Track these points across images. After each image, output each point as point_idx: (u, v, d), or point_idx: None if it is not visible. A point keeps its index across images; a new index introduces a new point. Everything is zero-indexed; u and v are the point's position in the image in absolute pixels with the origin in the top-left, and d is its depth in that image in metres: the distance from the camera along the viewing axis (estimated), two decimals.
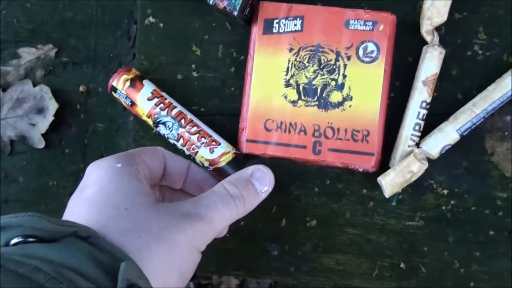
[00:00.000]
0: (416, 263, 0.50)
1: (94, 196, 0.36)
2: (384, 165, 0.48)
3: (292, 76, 0.48)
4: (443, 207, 0.49)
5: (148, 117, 0.49)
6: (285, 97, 0.48)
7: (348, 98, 0.47)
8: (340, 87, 0.48)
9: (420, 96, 0.47)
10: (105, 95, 0.56)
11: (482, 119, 0.46)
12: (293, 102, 0.48)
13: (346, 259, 0.51)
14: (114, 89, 0.49)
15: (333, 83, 0.48)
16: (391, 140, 0.48)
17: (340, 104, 0.48)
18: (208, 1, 0.46)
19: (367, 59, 0.47)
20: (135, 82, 0.49)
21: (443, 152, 0.47)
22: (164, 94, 0.50)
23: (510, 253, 0.48)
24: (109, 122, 0.57)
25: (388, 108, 0.48)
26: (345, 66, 0.47)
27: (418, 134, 0.48)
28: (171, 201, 0.44)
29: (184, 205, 0.37)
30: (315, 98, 0.48)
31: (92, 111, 0.57)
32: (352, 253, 0.51)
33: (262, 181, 0.43)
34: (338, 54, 0.47)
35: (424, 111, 0.47)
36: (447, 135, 0.47)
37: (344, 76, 0.47)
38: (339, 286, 0.51)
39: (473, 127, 0.47)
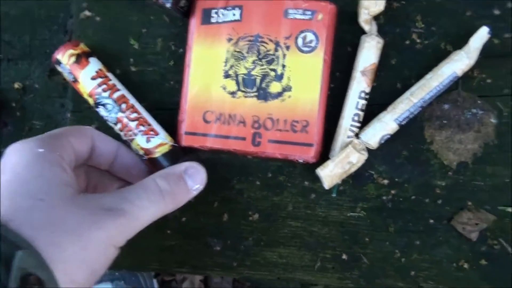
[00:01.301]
0: (358, 254, 0.50)
1: (8, 183, 0.33)
2: (325, 156, 0.48)
3: (231, 67, 0.47)
4: (384, 197, 0.49)
5: (89, 97, 0.47)
6: (224, 88, 0.47)
7: (287, 88, 0.47)
8: (280, 78, 0.47)
9: (359, 86, 0.47)
10: (42, 92, 0.54)
11: (420, 108, 0.47)
12: (232, 93, 0.47)
13: (288, 252, 0.50)
14: (58, 62, 0.47)
15: (273, 73, 0.47)
16: (332, 131, 0.48)
17: (279, 94, 0.47)
18: None
19: (306, 49, 0.47)
20: (80, 59, 0.47)
21: (382, 142, 0.47)
22: (109, 75, 0.48)
23: (449, 240, 0.48)
24: (46, 119, 0.55)
25: (329, 98, 0.48)
26: (284, 56, 0.47)
27: (358, 124, 0.47)
28: (97, 184, 0.42)
29: (107, 198, 0.36)
30: (254, 89, 0.47)
31: (28, 108, 0.55)
32: (294, 246, 0.50)
33: (195, 179, 0.41)
34: (277, 44, 0.47)
35: (363, 101, 0.47)
36: (385, 125, 0.47)
37: (283, 66, 0.47)
38: (282, 279, 0.50)
39: (411, 116, 0.47)
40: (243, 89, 0.47)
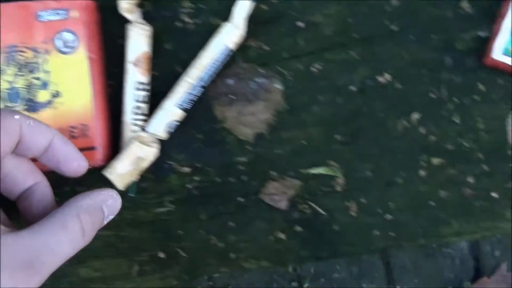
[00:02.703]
0: (175, 249, 0.48)
1: None
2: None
3: None
4: (189, 186, 0.47)
5: None
6: None
7: (56, 95, 0.44)
8: (45, 85, 0.44)
9: (133, 77, 0.45)
10: None
11: (201, 89, 0.45)
12: None
13: (103, 263, 0.47)
14: None
15: (37, 82, 0.44)
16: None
17: (49, 103, 0.44)
18: None
19: (67, 50, 0.44)
20: None
21: (171, 130, 0.45)
22: None
23: (261, 215, 0.47)
24: None
25: (109, 97, 0.45)
26: (45, 61, 0.44)
27: (142, 117, 0.45)
28: (9, 174, 0.36)
29: (23, 246, 0.29)
30: (22, 103, 0.44)
31: None
32: (108, 256, 0.47)
33: (111, 210, 0.36)
34: (35, 50, 0.44)
35: (142, 93, 0.45)
36: (168, 112, 0.45)
37: (47, 73, 0.44)
38: None
39: (194, 98, 0.45)
40: (9, 105, 0.44)
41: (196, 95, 0.45)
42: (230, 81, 0.48)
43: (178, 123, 0.45)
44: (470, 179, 0.47)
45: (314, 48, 0.47)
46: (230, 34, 0.45)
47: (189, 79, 0.45)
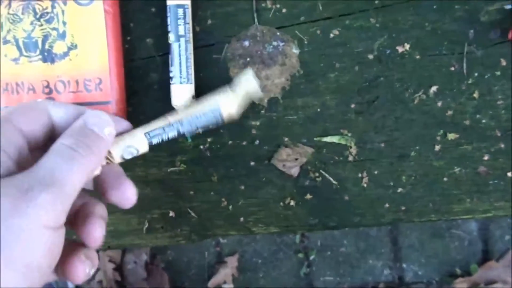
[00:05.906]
0: (185, 208, 0.48)
1: None
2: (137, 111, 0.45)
3: (8, 31, 0.44)
4: (201, 147, 0.47)
5: None
6: (5, 55, 0.44)
7: (73, 46, 0.44)
8: (63, 36, 0.44)
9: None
10: None
11: (175, 132, 0.40)
12: (15, 60, 0.44)
13: (114, 218, 0.48)
14: None
15: (54, 32, 0.44)
16: (140, 86, 0.45)
17: (65, 54, 0.44)
18: None
19: (84, 2, 0.44)
20: None
21: (126, 156, 0.40)
22: None
23: (272, 180, 0.47)
24: None
25: (127, 51, 0.45)
26: (63, 12, 0.44)
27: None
28: None
29: (23, 179, 0.30)
30: (38, 52, 0.44)
31: None
32: (119, 211, 0.48)
33: (100, 124, 0.36)
34: (53, 0, 0.43)
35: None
36: (133, 136, 0.40)
37: (64, 24, 0.44)
38: (112, 248, 0.48)
39: (164, 137, 0.39)
40: (26, 54, 0.44)
41: (167, 135, 0.41)
42: (247, 43, 0.47)
43: (136, 153, 0.39)
44: (486, 157, 0.47)
45: (333, 13, 0.46)
46: (227, 102, 0.40)
47: (169, 117, 0.41)
